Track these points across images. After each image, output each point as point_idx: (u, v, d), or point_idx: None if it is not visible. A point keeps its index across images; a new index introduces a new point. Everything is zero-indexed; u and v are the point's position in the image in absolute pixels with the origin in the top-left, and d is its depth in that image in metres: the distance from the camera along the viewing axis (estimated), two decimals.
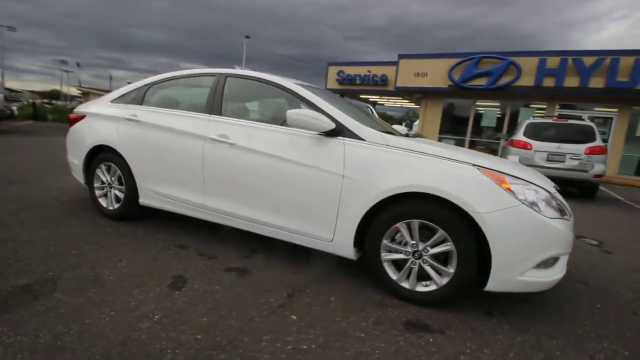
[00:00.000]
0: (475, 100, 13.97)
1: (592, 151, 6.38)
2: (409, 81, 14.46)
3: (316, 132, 2.13)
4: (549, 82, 11.37)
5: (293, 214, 2.21)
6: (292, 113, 2.06)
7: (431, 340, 1.64)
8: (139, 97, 2.94)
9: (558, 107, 12.32)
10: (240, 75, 2.63)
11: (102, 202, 3.04)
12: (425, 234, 1.90)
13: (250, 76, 2.60)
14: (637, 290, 2.44)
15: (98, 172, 3.01)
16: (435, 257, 1.89)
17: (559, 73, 11.09)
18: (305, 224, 2.18)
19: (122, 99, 3.04)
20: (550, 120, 7.10)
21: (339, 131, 2.09)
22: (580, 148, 6.46)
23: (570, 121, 6.90)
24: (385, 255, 1.99)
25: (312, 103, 2.25)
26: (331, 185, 2.05)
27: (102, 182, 3.02)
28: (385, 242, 1.97)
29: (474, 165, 1.85)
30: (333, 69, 17.92)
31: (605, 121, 11.93)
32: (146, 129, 2.73)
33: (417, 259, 1.93)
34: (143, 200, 2.82)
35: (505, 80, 12.10)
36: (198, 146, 2.47)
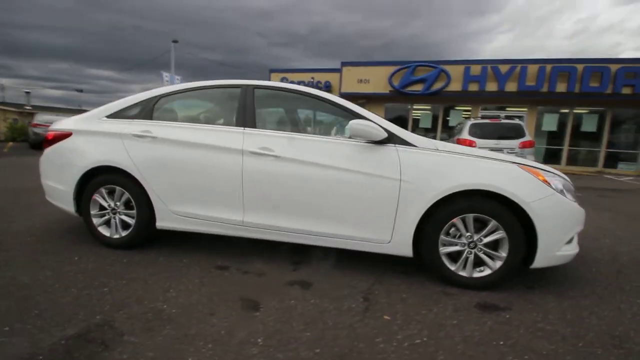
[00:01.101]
0: (413, 104, 15.32)
1: (524, 145, 7.56)
2: (353, 87, 15.22)
3: (366, 141, 2.24)
4: (473, 87, 13.05)
5: (349, 221, 2.27)
6: (355, 123, 2.14)
7: (507, 316, 1.87)
8: (146, 111, 2.67)
9: (481, 108, 14.19)
10: (269, 86, 2.60)
11: (104, 230, 2.68)
12: (477, 225, 2.15)
13: (280, 87, 2.58)
14: (599, 257, 3.04)
15: (96, 197, 2.65)
16: (487, 245, 2.14)
17: (481, 79, 12.82)
18: (362, 229, 2.26)
19: (121, 114, 2.73)
20: (488, 121, 8.20)
21: (390, 139, 2.23)
22: (515, 143, 7.60)
23: (503, 121, 8.08)
24: (443, 249, 2.18)
25: (357, 113, 2.35)
26: (389, 190, 2.17)
27: (102, 208, 2.68)
28: (442, 237, 2.17)
29: (513, 163, 2.16)
30: (276, 76, 17.91)
31: (518, 119, 14.11)
32: (165, 145, 2.51)
33: (472, 248, 2.16)
34: (161, 224, 2.58)
35: (437, 86, 13.54)
36: (236, 161, 2.37)
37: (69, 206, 2.74)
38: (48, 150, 2.84)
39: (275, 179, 2.33)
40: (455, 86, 13.30)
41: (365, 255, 2.61)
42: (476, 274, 2.17)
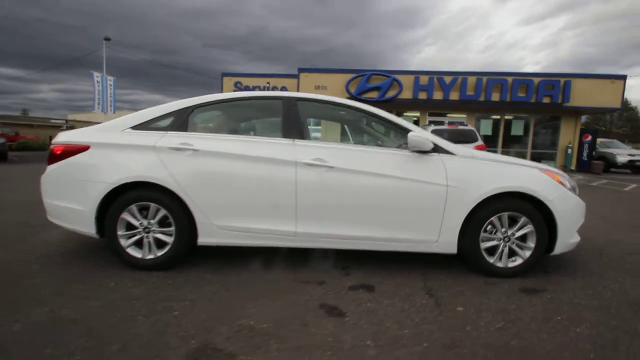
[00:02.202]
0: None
1: (477, 148, 8.52)
2: (310, 93, 15.46)
3: (412, 151, 2.45)
4: (422, 96, 14.21)
5: (400, 225, 2.45)
6: (413, 135, 2.33)
7: (549, 296, 2.22)
8: (180, 123, 2.54)
9: (428, 115, 15.50)
10: (312, 99, 2.66)
11: (133, 252, 2.48)
12: (509, 222, 2.49)
13: (323, 100, 2.66)
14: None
15: (125, 216, 2.44)
16: (518, 238, 2.49)
17: (429, 88, 14.01)
18: (411, 232, 2.45)
19: (148, 125, 2.56)
20: (446, 127, 9.06)
21: (434, 149, 2.47)
22: (470, 147, 8.52)
23: (459, 127, 9.01)
24: (483, 245, 2.48)
25: (401, 126, 2.54)
26: (438, 194, 2.40)
27: (131, 228, 2.47)
28: (482, 234, 2.46)
29: (535, 167, 2.55)
30: (229, 80, 17.40)
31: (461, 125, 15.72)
32: (210, 158, 2.42)
33: (506, 242, 2.49)
34: (205, 240, 2.48)
35: (390, 94, 14.45)
36: (289, 172, 2.40)
37: (87, 228, 2.48)
38: (55, 166, 2.53)
39: (329, 188, 2.41)
40: (406, 94, 14.32)
41: (397, 256, 2.81)
42: (510, 264, 2.50)
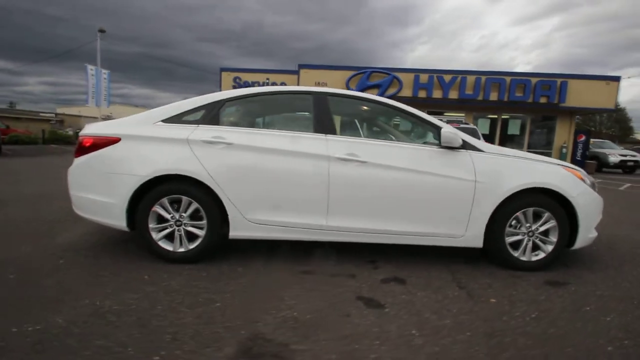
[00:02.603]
0: None
1: None
2: None
3: (440, 146, 2.50)
4: (422, 94, 14.32)
5: (428, 219, 2.51)
6: (445, 132, 2.39)
7: (573, 289, 2.30)
8: (212, 116, 2.55)
9: (427, 113, 15.60)
10: (343, 94, 2.69)
11: (165, 245, 2.49)
12: (533, 217, 2.56)
13: (354, 96, 2.70)
14: None
15: (157, 208, 2.45)
16: (541, 233, 2.57)
17: (428, 87, 14.13)
18: (439, 226, 2.51)
19: (179, 118, 2.56)
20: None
21: (463, 145, 2.52)
22: None
23: (461, 125, 9.12)
24: (508, 239, 2.55)
25: (432, 123, 2.60)
26: (466, 190, 2.46)
27: (161, 221, 2.48)
28: (507, 229, 2.53)
29: (559, 164, 2.62)
30: (227, 75, 17.30)
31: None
32: (243, 152, 2.44)
33: (530, 237, 2.57)
34: (236, 233, 2.50)
35: (391, 91, 14.51)
36: (322, 166, 2.43)
37: (117, 220, 2.47)
38: (84, 159, 2.52)
39: (361, 183, 2.45)
40: (406, 92, 14.41)
41: (422, 250, 2.87)
42: (533, 258, 2.58)
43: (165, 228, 2.49)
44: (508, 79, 13.57)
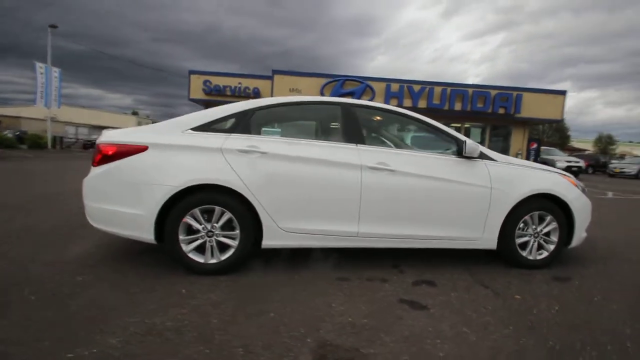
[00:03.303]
0: None
1: None
2: (284, 95, 15.46)
3: (461, 156, 2.71)
4: (393, 102, 14.95)
5: (450, 223, 2.69)
6: (470, 143, 2.58)
7: (577, 283, 2.60)
8: (243, 125, 2.54)
9: None
10: (368, 105, 2.81)
11: (195, 257, 2.42)
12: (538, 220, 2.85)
13: (379, 107, 2.82)
14: None
15: (188, 219, 2.38)
16: (544, 234, 2.87)
17: (399, 95, 14.81)
18: (459, 230, 2.71)
19: (210, 127, 2.52)
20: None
21: (480, 155, 2.75)
22: None
23: None
24: (517, 240, 2.81)
25: (451, 134, 2.80)
26: (484, 196, 2.69)
27: (191, 232, 2.42)
28: (517, 231, 2.80)
29: (556, 172, 2.95)
30: (197, 79, 16.79)
31: None
32: (277, 161, 2.46)
33: (535, 238, 2.85)
34: (269, 242, 2.50)
35: (364, 99, 14.98)
36: (354, 175, 2.52)
37: (144, 233, 2.37)
38: (106, 168, 2.38)
39: (390, 190, 2.58)
40: (378, 100, 14.97)
41: (438, 253, 3.06)
42: (538, 257, 2.87)
43: (196, 239, 2.42)
44: (470, 90, 14.64)
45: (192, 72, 16.92)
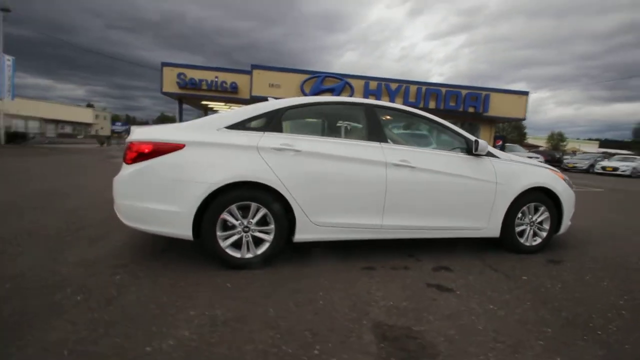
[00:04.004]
0: None
1: None
2: (263, 91, 15.33)
3: (466, 153, 2.99)
4: (372, 99, 15.34)
5: (461, 215, 2.97)
6: (482, 142, 2.85)
7: (569, 264, 2.99)
8: (274, 123, 2.63)
9: None
10: (388, 107, 3.00)
11: (231, 252, 2.50)
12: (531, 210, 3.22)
13: (397, 108, 3.02)
14: None
15: (225, 216, 2.46)
16: (538, 223, 3.24)
17: (377, 93, 15.23)
18: (468, 220, 3.00)
19: (243, 125, 2.59)
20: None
21: (486, 153, 3.05)
22: None
23: None
24: (517, 229, 3.16)
25: (461, 134, 3.06)
26: (490, 189, 2.99)
27: (227, 228, 2.50)
28: (516, 220, 3.14)
29: (547, 168, 3.33)
30: (170, 71, 16.20)
31: None
32: (311, 158, 2.58)
33: (531, 226, 3.22)
34: (301, 236, 2.63)
35: (343, 96, 15.27)
36: (380, 171, 2.71)
37: (182, 230, 2.42)
38: (143, 166, 2.39)
39: (411, 185, 2.80)
40: (357, 97, 15.31)
41: (442, 242, 3.34)
42: (534, 243, 3.24)
43: (232, 235, 2.50)
44: (444, 90, 15.39)
45: (165, 64, 16.27)
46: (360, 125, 2.89)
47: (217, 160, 2.45)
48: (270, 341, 1.67)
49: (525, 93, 16.03)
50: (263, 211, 2.52)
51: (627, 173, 18.16)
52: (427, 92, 15.33)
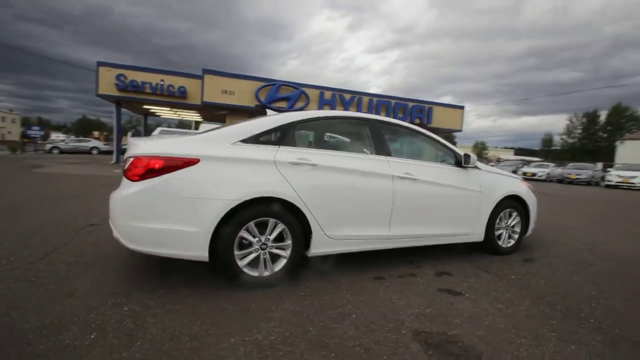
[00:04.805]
0: None
1: None
2: (216, 97, 14.78)
3: (459, 166, 3.28)
4: (326, 109, 15.71)
5: (455, 222, 3.24)
6: (473, 156, 3.13)
7: (541, 262, 3.42)
8: (288, 137, 2.60)
9: None
10: (389, 122, 3.14)
11: (249, 270, 2.41)
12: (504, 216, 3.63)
13: (397, 124, 3.19)
14: None
15: (243, 233, 2.36)
16: (512, 226, 3.66)
17: (332, 103, 15.63)
18: (459, 227, 3.28)
19: (257, 139, 2.51)
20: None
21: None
22: None
23: None
24: (496, 232, 3.53)
25: (450, 148, 3.34)
26: (476, 198, 3.31)
27: (246, 246, 2.40)
28: (496, 225, 3.52)
29: (516, 178, 3.79)
30: (107, 72, 14.73)
31: None
32: (326, 172, 2.60)
33: (507, 230, 3.62)
34: (316, 250, 2.63)
35: (299, 105, 15.38)
36: (387, 184, 2.84)
37: (197, 251, 2.26)
38: (153, 183, 2.19)
39: (413, 196, 2.98)
40: (313, 106, 15.54)
41: (429, 249, 3.60)
42: (508, 245, 3.65)
43: (250, 253, 2.40)
44: (393, 101, 16.40)
45: (101, 64, 14.74)
46: (364, 140, 3.00)
47: (235, 175, 2.34)
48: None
49: (462, 107, 17.87)
50: (280, 227, 2.47)
51: (543, 177, 21.34)
52: (379, 103, 16.20)
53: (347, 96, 15.80)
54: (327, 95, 15.61)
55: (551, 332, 2.05)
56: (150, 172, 2.18)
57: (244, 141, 2.47)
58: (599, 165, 25.84)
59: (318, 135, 2.96)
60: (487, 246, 3.58)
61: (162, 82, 15.14)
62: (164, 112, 20.14)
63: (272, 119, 2.64)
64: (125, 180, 2.28)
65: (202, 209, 2.23)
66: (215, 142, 2.40)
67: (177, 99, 15.46)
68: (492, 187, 3.45)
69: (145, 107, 17.62)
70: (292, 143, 2.63)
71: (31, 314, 1.92)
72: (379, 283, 2.68)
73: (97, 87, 14.81)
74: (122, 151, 16.08)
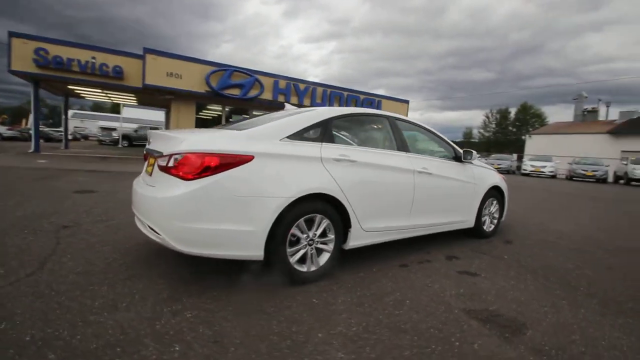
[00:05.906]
0: (225, 107, 15.80)
1: None
2: (160, 80, 13.52)
3: (459, 161, 3.66)
4: (281, 98, 15.47)
5: (457, 211, 3.63)
6: (474, 153, 3.50)
7: (519, 243, 4.01)
8: (327, 134, 2.63)
9: None
10: (404, 119, 3.34)
11: (299, 267, 2.43)
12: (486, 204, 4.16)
13: (410, 121, 3.40)
14: None
15: (294, 230, 2.37)
16: (493, 213, 4.21)
17: (287, 92, 15.45)
18: (459, 215, 3.69)
19: (301, 135, 2.50)
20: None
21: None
22: None
23: None
24: (483, 219, 4.04)
25: (451, 144, 3.68)
26: (472, 189, 3.74)
27: (294, 242, 2.42)
28: (483, 211, 4.02)
29: (493, 169, 4.34)
30: (23, 44, 12.44)
31: None
32: (363, 168, 2.71)
33: (489, 217, 4.16)
34: (352, 243, 2.75)
35: (253, 93, 14.87)
36: (410, 178, 3.06)
37: (254, 250, 2.22)
38: (209, 181, 2.07)
39: (428, 189, 3.26)
40: (267, 95, 15.17)
41: (430, 236, 3.97)
42: (490, 229, 4.20)
43: (299, 250, 2.42)
44: (345, 93, 16.84)
45: (14, 34, 12.34)
46: (386, 137, 3.17)
47: (288, 172, 2.31)
48: (416, 344, 1.81)
49: (407, 101, 19.17)
50: (325, 222, 2.52)
51: None
52: (332, 95, 16.49)
53: (302, 86, 15.76)
54: (282, 84, 15.36)
55: (561, 300, 2.50)
56: (206, 170, 2.05)
57: (290, 137, 2.45)
58: (515, 156, 30.03)
59: (353, 131, 3.04)
60: (476, 232, 4.07)
61: (93, 60, 13.25)
62: (96, 95, 17.76)
63: (311, 115, 2.65)
64: (170, 179, 2.10)
65: (258, 207, 2.18)
66: (264, 139, 2.34)
67: (112, 80, 13.69)
68: (482, 179, 3.92)
69: (70, 87, 15.28)
70: (331, 139, 2.67)
71: (86, 332, 1.71)
72: (407, 270, 2.91)
73: (10, 61, 12.40)
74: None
